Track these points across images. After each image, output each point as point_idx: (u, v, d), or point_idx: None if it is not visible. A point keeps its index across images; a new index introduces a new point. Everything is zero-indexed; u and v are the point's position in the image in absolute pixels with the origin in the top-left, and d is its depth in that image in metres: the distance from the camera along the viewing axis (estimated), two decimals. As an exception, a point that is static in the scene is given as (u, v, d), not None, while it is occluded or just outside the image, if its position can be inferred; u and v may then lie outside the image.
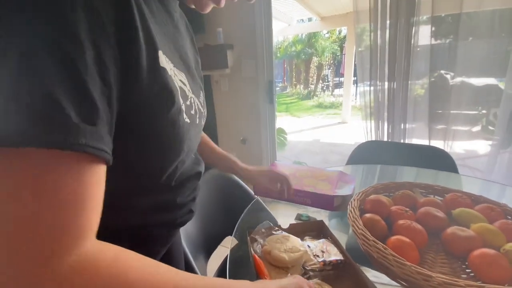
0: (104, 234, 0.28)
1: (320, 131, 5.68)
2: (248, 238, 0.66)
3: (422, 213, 0.63)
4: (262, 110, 2.15)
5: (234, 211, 0.77)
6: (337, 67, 11.32)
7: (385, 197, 0.71)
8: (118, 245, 0.28)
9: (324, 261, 0.57)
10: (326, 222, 0.77)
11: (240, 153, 2.31)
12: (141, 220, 0.41)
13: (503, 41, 1.61)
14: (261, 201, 0.92)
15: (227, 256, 0.67)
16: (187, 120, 0.38)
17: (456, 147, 1.87)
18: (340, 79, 10.27)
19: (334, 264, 0.57)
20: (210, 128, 2.30)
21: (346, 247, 0.66)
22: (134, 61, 0.28)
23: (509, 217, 0.61)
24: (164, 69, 0.32)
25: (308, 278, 0.55)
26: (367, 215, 0.63)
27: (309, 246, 0.62)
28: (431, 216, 0.62)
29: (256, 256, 0.59)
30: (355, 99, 7.65)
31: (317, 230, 0.70)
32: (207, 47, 2.06)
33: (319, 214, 0.80)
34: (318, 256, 0.58)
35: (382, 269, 0.52)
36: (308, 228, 0.70)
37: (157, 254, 0.48)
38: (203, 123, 0.50)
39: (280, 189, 0.79)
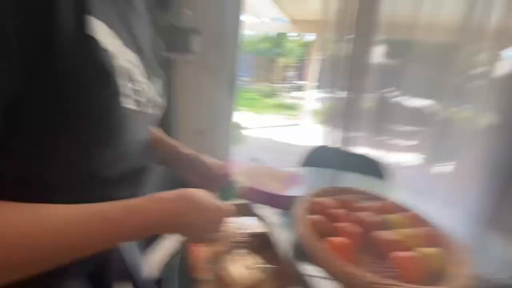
0: None
1: (278, 130, 5.84)
2: None
3: (359, 217, 0.68)
4: (222, 103, 2.11)
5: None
6: (301, 70, 11.74)
7: (330, 199, 0.76)
8: None
9: (245, 233, 0.66)
10: (278, 220, 0.79)
11: (196, 144, 2.25)
12: None
13: (442, 69, 1.84)
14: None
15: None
16: (132, 106, 0.33)
17: (395, 159, 2.09)
18: (302, 82, 10.67)
19: (256, 237, 0.66)
20: (166, 115, 2.19)
21: (294, 245, 0.69)
22: (47, 25, 0.23)
23: (430, 225, 0.70)
24: (94, 40, 0.27)
25: (234, 249, 0.62)
26: (311, 216, 0.66)
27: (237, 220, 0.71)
28: (366, 220, 0.67)
29: None
30: (314, 103, 8.04)
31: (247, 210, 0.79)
32: (171, 27, 1.95)
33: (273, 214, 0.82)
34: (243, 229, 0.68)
35: (321, 267, 0.55)
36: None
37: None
38: (158, 113, 0.45)
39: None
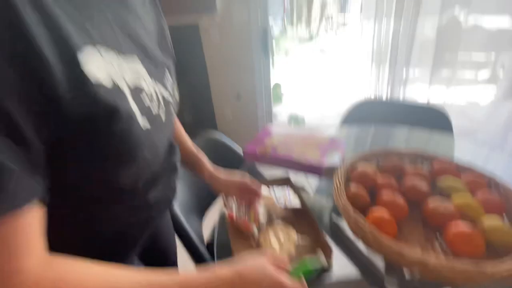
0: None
1: (320, 79, 5.41)
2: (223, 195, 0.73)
3: (406, 185, 0.62)
4: (257, 63, 2.01)
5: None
6: (343, 3, 10.26)
7: (372, 166, 0.70)
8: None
9: (285, 207, 0.71)
10: (311, 194, 0.80)
11: (235, 110, 2.25)
12: (114, 225, 0.41)
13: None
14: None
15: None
16: (147, 125, 0.35)
17: (458, 95, 1.80)
18: (346, 15, 9.39)
19: (294, 210, 0.70)
20: (202, 84, 2.20)
21: (330, 218, 0.69)
22: (43, 79, 0.23)
23: (492, 188, 0.60)
24: (89, 79, 0.27)
25: (271, 221, 0.67)
26: (352, 187, 0.62)
27: (274, 193, 0.76)
28: (414, 188, 0.61)
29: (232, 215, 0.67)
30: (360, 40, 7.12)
31: (284, 183, 0.81)
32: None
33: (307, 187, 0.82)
34: (280, 202, 0.73)
35: (363, 241, 0.53)
36: (275, 181, 0.81)
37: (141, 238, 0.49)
38: (173, 113, 0.46)
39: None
